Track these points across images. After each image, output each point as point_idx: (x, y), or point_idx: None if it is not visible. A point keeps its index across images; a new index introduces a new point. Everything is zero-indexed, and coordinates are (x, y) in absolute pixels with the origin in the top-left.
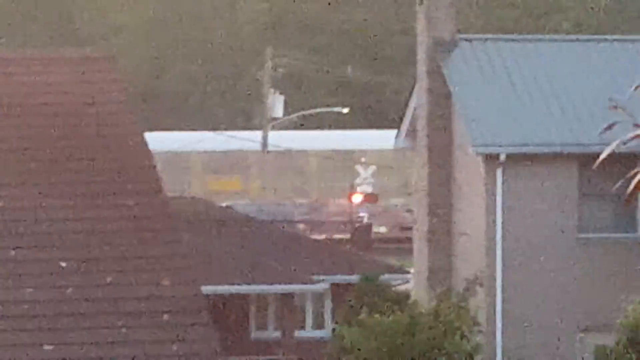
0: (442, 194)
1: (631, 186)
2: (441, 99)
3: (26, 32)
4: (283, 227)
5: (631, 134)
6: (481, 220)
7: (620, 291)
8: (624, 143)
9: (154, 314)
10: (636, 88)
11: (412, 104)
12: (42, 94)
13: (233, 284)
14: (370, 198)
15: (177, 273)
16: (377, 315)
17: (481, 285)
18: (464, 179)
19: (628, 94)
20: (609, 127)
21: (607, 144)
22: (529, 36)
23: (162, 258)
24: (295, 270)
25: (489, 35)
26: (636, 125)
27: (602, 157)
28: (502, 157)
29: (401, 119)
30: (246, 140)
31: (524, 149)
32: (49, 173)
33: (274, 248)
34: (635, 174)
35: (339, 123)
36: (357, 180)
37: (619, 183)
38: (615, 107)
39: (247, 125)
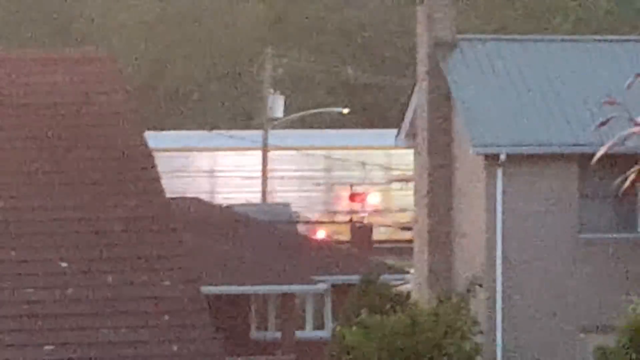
0: (442, 194)
1: (628, 181)
2: (441, 99)
3: (26, 32)
4: (283, 227)
5: (629, 131)
6: (481, 220)
7: (620, 291)
8: (623, 140)
9: (154, 314)
10: (629, 86)
11: (412, 104)
12: (42, 94)
13: (233, 284)
14: (369, 198)
15: (177, 273)
16: (377, 316)
17: (481, 285)
18: (464, 179)
19: (624, 89)
20: (605, 122)
21: (606, 142)
22: (529, 36)
23: (162, 258)
24: (295, 270)
25: (489, 35)
26: (633, 122)
27: (599, 153)
28: (502, 157)
29: (401, 119)
30: (246, 140)
31: (524, 149)
32: (49, 173)
33: (274, 248)
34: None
35: (339, 123)
36: (357, 181)
37: (618, 179)
38: (611, 102)
39: (247, 125)
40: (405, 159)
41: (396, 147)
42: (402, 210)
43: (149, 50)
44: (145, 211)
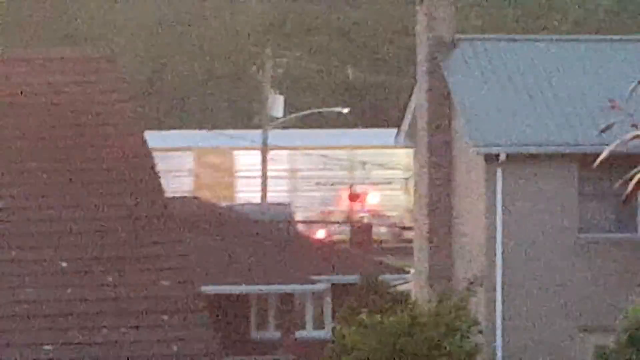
0: (442, 194)
1: (630, 186)
2: (441, 99)
3: (26, 32)
4: (283, 227)
5: (630, 135)
6: (481, 220)
7: (620, 291)
8: (624, 144)
9: (154, 314)
10: (633, 89)
11: (412, 103)
12: (42, 94)
13: (233, 284)
14: (369, 198)
15: (177, 273)
16: (377, 315)
17: (481, 285)
18: (464, 179)
19: (627, 94)
20: (607, 127)
21: (607, 144)
22: (529, 36)
23: (162, 258)
24: (295, 270)
25: (489, 35)
26: (634, 126)
27: (601, 157)
28: (502, 157)
29: (401, 119)
30: (246, 140)
31: (524, 149)
32: (49, 173)
33: (274, 248)
34: (635, 174)
35: (339, 123)
36: (357, 180)
37: (619, 183)
38: (614, 106)
39: (247, 125)
40: (405, 158)
41: (396, 146)
42: (403, 210)
43: (149, 50)
44: (145, 211)
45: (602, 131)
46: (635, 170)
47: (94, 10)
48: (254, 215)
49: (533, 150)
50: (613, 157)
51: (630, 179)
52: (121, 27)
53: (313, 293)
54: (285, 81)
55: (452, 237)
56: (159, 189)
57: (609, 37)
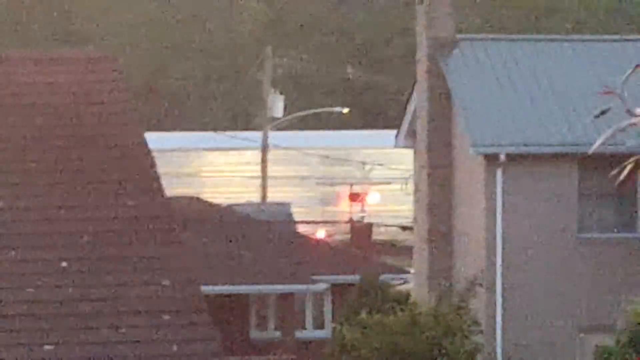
0: (442, 194)
1: (624, 173)
2: (441, 99)
3: (26, 32)
4: (283, 227)
5: (626, 122)
6: (481, 220)
7: (620, 291)
8: (620, 130)
9: (154, 314)
10: (629, 75)
11: (412, 104)
12: (42, 94)
13: (233, 284)
14: (369, 198)
15: (177, 273)
16: (377, 315)
17: (481, 285)
18: (464, 179)
19: (622, 80)
20: (603, 112)
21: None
22: (529, 36)
23: (162, 258)
24: (295, 270)
25: (489, 35)
26: (631, 113)
27: (597, 144)
28: (502, 157)
29: (401, 119)
30: (246, 140)
31: (524, 149)
32: (49, 173)
33: (274, 248)
34: (630, 162)
35: (339, 123)
36: (357, 180)
37: (614, 171)
38: (608, 92)
39: (247, 125)
40: (405, 158)
41: (396, 147)
42: (403, 210)
43: (149, 50)
44: (145, 211)
45: (597, 116)
46: (629, 160)
47: (94, 10)
48: (254, 215)
49: (533, 150)
50: (614, 156)
51: (625, 167)
52: (121, 27)
53: (313, 293)
54: (285, 81)
55: (452, 237)
56: (159, 189)
57: (609, 37)
